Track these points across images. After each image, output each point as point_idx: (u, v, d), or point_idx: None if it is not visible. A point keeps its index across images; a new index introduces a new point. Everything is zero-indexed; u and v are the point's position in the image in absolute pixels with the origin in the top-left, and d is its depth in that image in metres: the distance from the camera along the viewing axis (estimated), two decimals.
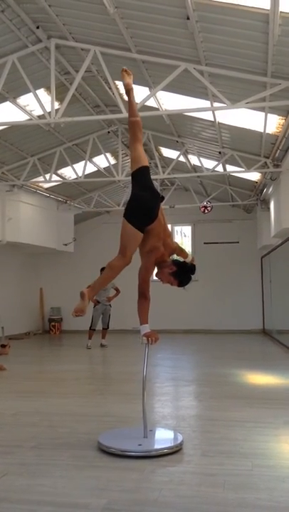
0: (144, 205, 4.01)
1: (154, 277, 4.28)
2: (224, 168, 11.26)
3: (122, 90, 8.56)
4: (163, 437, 4.30)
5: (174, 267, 4.16)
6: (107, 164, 12.05)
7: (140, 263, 4.12)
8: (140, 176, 4.16)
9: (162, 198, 4.26)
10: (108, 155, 11.98)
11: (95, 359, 10.45)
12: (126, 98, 4.63)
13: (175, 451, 3.86)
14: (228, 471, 3.48)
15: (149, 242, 4.01)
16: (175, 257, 4.36)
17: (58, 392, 6.50)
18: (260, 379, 7.38)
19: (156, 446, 3.98)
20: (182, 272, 4.20)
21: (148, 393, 4.37)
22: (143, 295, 4.06)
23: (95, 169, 12.56)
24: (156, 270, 4.22)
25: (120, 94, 8.34)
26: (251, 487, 3.18)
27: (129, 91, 4.40)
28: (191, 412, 5.42)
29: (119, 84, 8.40)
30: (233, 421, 4.83)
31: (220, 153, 10.65)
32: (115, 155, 12.19)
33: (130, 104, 4.43)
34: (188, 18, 5.57)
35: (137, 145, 4.27)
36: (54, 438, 4.30)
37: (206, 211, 14.36)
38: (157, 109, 8.42)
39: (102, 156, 11.59)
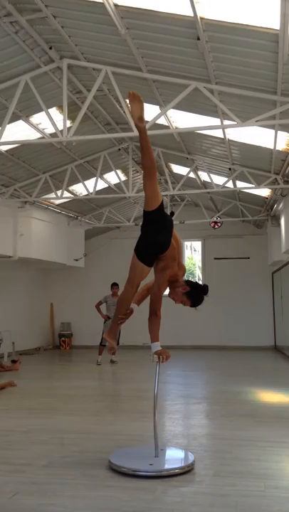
0: (154, 243, 3.98)
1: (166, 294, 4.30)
2: (234, 185, 11.29)
3: None
4: (174, 457, 4.28)
5: (187, 287, 4.17)
6: (118, 181, 12.15)
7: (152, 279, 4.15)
8: (150, 218, 3.99)
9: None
10: (119, 171, 12.08)
11: (105, 375, 10.42)
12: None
13: (186, 471, 3.84)
14: (240, 491, 3.44)
15: (163, 261, 4.03)
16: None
17: (69, 409, 6.49)
18: (272, 397, 7.31)
19: (168, 466, 3.96)
20: (195, 293, 4.21)
21: (159, 411, 4.35)
22: (154, 313, 4.05)
23: (106, 185, 12.67)
24: (168, 290, 4.23)
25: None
26: (264, 509, 3.14)
27: None
28: (203, 430, 5.38)
29: None
30: (245, 440, 4.79)
31: (230, 169, 10.70)
32: (126, 172, 12.28)
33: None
34: (198, 39, 5.65)
35: (148, 182, 3.98)
36: (65, 456, 4.30)
37: (216, 226, 14.38)
38: (168, 127, 8.50)
39: (113, 172, 11.69)
